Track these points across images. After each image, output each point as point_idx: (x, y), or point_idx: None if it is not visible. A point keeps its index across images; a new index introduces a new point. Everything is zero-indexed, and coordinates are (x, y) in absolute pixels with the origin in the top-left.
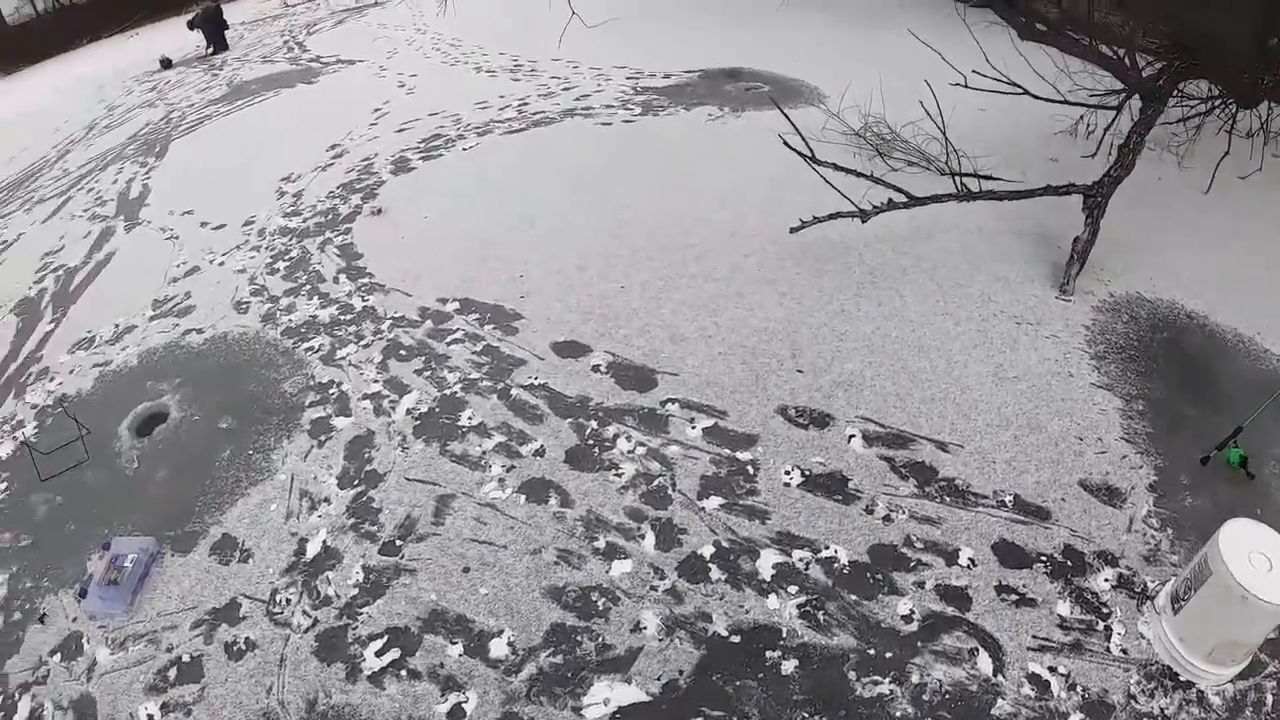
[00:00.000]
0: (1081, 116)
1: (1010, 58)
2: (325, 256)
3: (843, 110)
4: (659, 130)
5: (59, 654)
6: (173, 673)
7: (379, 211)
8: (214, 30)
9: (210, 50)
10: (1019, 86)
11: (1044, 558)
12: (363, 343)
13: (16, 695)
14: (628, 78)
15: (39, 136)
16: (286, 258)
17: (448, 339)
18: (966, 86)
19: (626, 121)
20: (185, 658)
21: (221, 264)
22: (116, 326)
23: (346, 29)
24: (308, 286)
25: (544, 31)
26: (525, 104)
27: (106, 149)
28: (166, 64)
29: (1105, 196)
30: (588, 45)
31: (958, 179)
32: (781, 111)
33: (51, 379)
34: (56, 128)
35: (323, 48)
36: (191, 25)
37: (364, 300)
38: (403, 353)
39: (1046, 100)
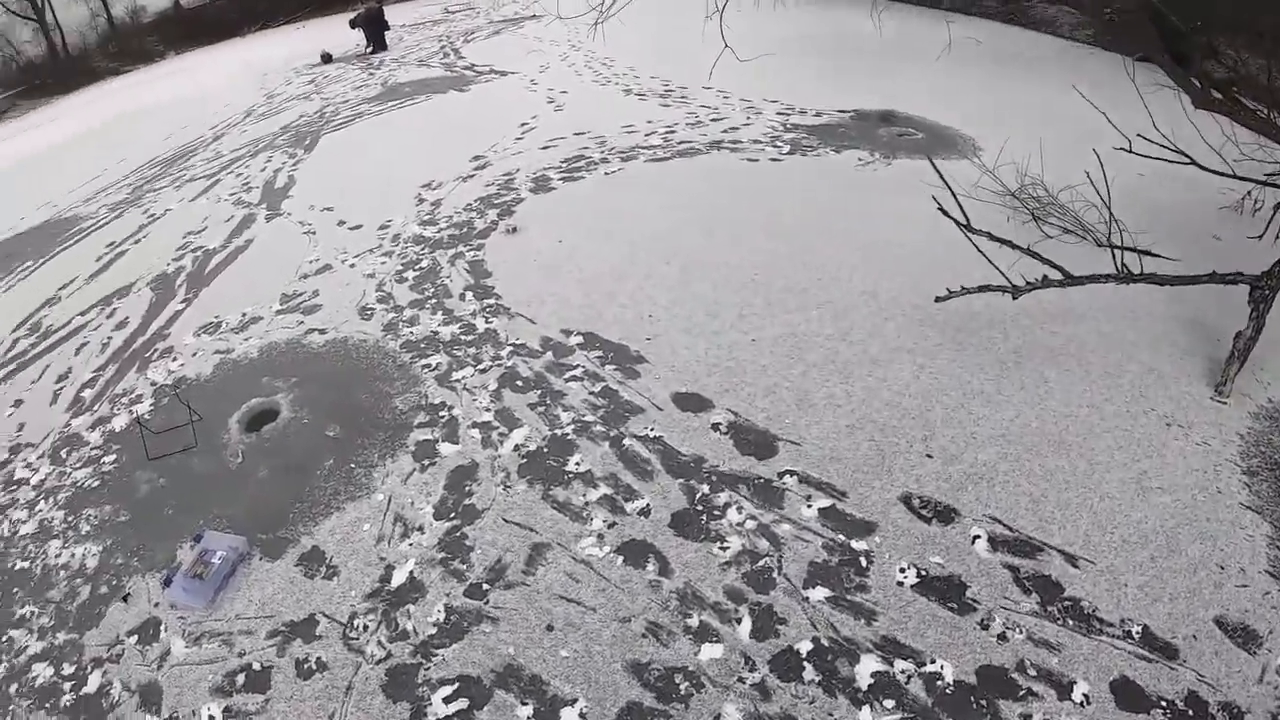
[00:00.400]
0: (1250, 192)
1: (1177, 120)
2: (455, 271)
3: (998, 167)
4: (806, 172)
5: (136, 636)
6: (241, 678)
7: (514, 231)
8: (375, 31)
9: (370, 49)
10: (1186, 156)
11: (1165, 703)
12: (480, 366)
13: (89, 668)
14: (778, 113)
15: (199, 117)
16: (417, 267)
17: (566, 375)
18: (1131, 152)
19: (774, 160)
20: (256, 666)
21: (352, 266)
22: (243, 315)
23: (502, 40)
24: (433, 300)
25: (697, 58)
26: (672, 132)
27: (260, 136)
28: (327, 59)
29: (1274, 290)
30: (741, 76)
31: (1117, 256)
32: (937, 171)
33: (174, 359)
34: (216, 110)
35: (478, 56)
36: (353, 24)
37: (487, 322)
38: (519, 383)
39: (1213, 172)
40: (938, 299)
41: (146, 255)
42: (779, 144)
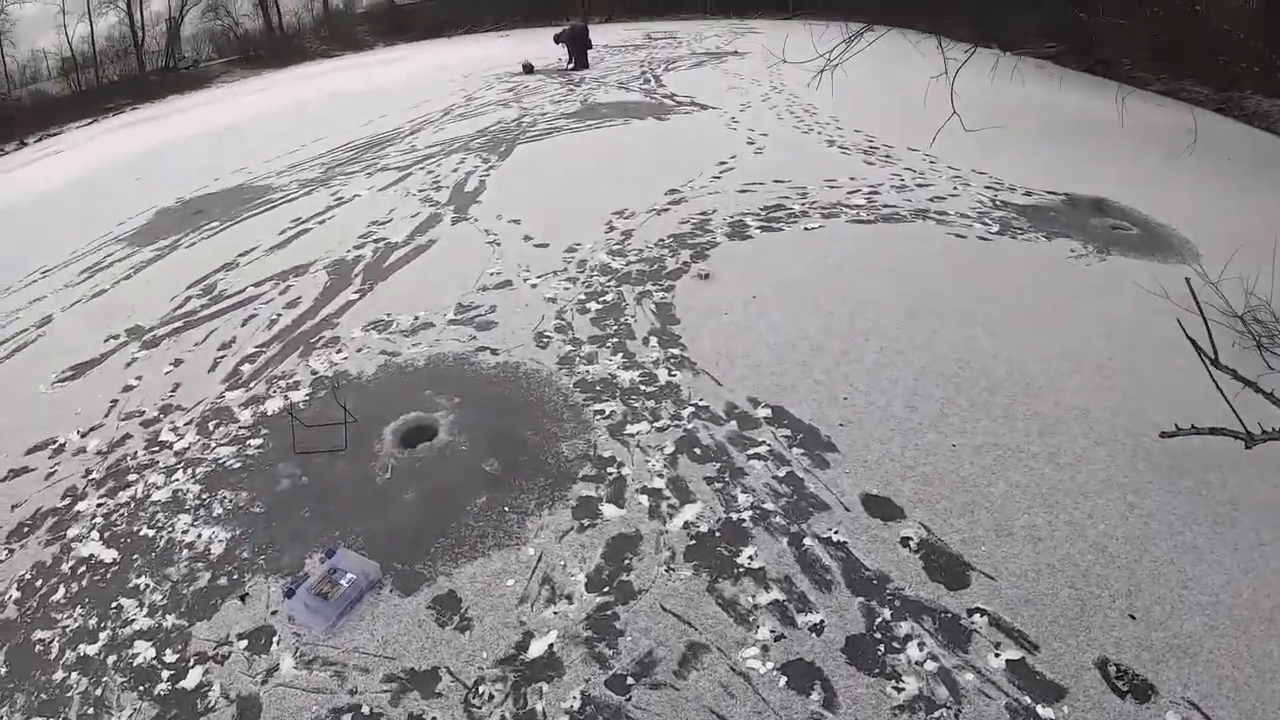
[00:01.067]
0: None
1: None
2: (641, 311)
3: (1222, 280)
4: (1016, 258)
5: (246, 641)
6: (347, 718)
7: (706, 277)
8: (578, 48)
9: (571, 65)
10: None
11: None
12: (657, 424)
13: (192, 662)
14: (987, 186)
15: (398, 109)
16: (601, 299)
17: (750, 451)
18: None
19: (981, 239)
20: (365, 709)
21: (534, 286)
22: (415, 319)
23: (703, 73)
24: (614, 339)
25: (907, 117)
26: (876, 193)
27: (455, 136)
28: (529, 69)
29: None
30: (947, 141)
31: None
32: (1193, 295)
33: (339, 350)
34: (416, 104)
35: (678, 86)
36: (558, 39)
37: (670, 374)
38: (698, 451)
39: None
40: (1164, 435)
41: (329, 238)
42: (987, 221)
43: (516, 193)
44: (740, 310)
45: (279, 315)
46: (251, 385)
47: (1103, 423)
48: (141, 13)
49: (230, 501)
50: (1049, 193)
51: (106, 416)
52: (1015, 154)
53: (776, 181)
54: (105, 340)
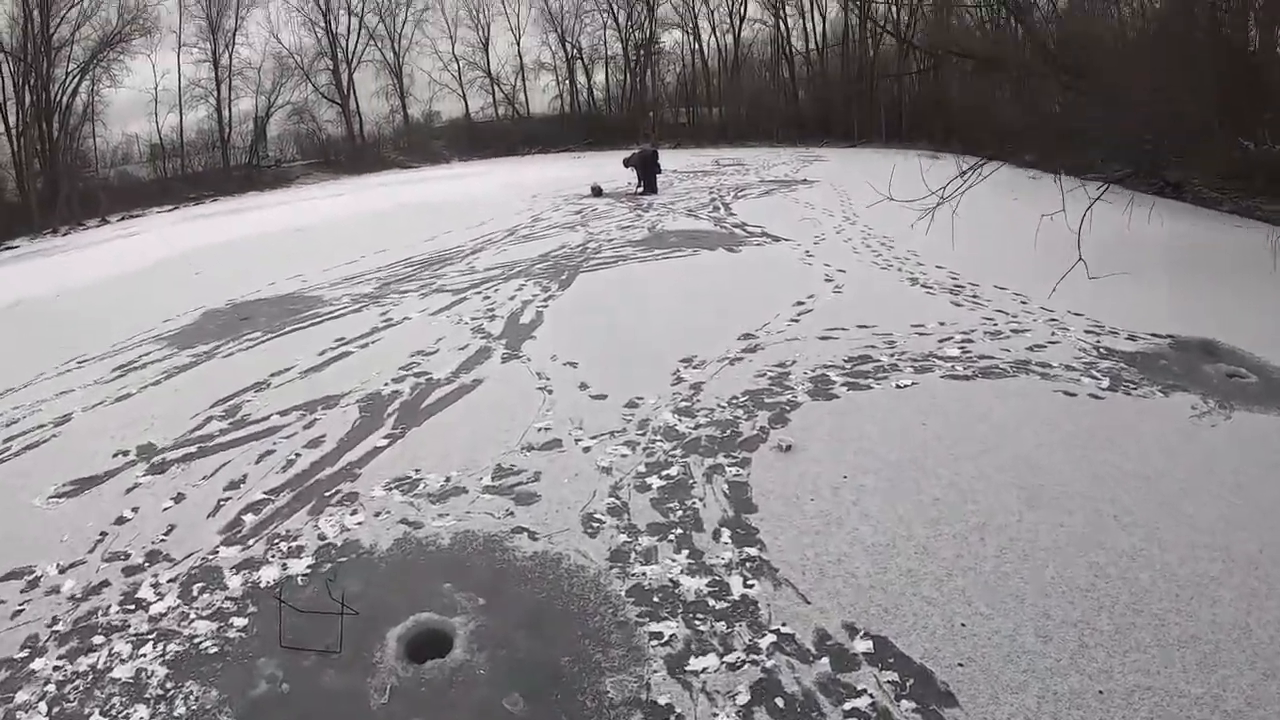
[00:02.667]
0: None
1: None
2: (711, 491)
3: None
4: (1134, 421)
5: None
6: None
7: (788, 448)
8: (647, 172)
9: (640, 190)
10: None
11: None
12: (729, 658)
13: None
14: (1086, 330)
15: (463, 226)
16: (664, 473)
17: (847, 703)
18: None
19: (1093, 396)
20: None
21: (587, 449)
22: (446, 480)
23: (774, 201)
24: (679, 530)
25: (986, 253)
26: (970, 341)
27: (517, 259)
28: (597, 192)
29: None
30: (1031, 278)
31: None
32: None
33: (354, 512)
34: (482, 221)
35: (748, 215)
36: (627, 163)
37: (746, 584)
38: (779, 703)
39: None
40: None
41: (369, 365)
42: (1095, 374)
43: (575, 329)
44: (829, 496)
45: (297, 455)
46: (250, 543)
47: (1269, 645)
48: (230, 109)
49: (196, 700)
50: (1154, 335)
51: (91, 552)
52: (1108, 291)
53: (860, 327)
54: (114, 455)
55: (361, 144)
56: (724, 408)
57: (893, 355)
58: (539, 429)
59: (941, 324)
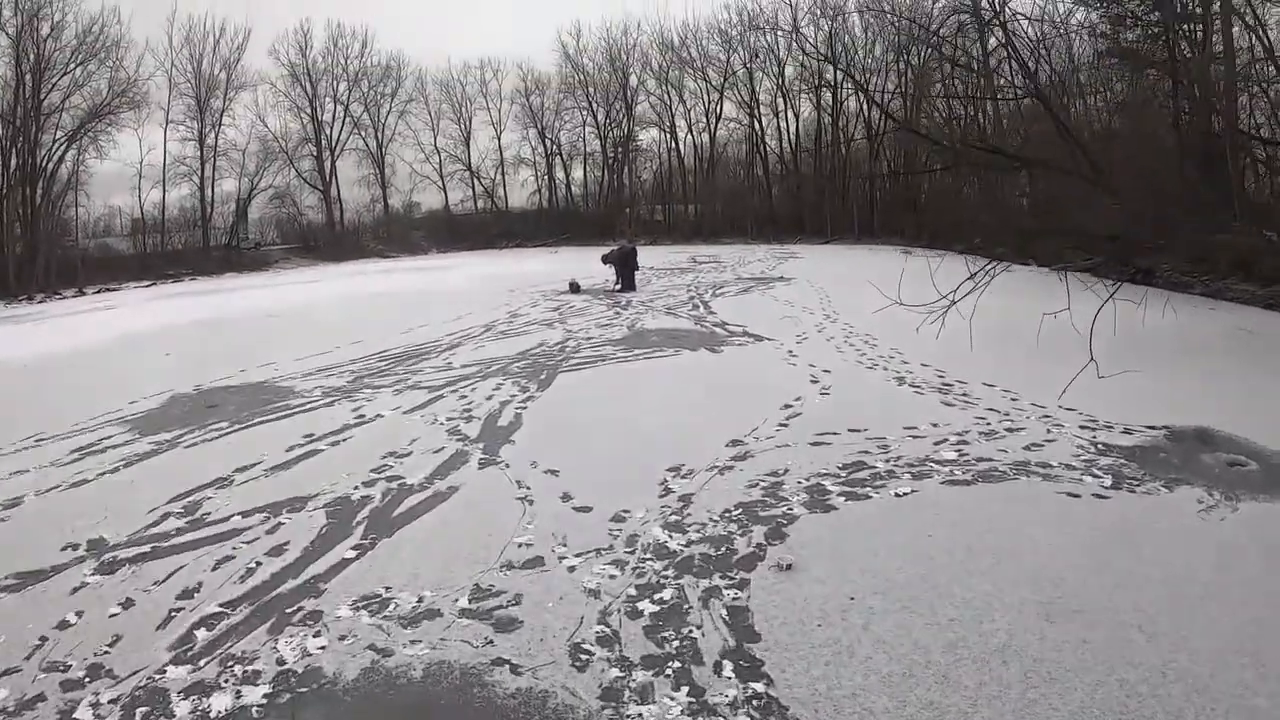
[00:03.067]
0: None
1: None
2: (708, 618)
3: None
4: (1142, 521)
5: None
6: None
7: (788, 567)
8: (625, 270)
9: (618, 287)
10: None
11: None
12: None
13: None
14: (1081, 426)
15: (440, 320)
16: (657, 597)
17: None
18: None
19: (1098, 496)
20: None
21: (572, 569)
22: (419, 601)
23: (752, 300)
24: (677, 663)
25: (968, 349)
26: (965, 442)
27: (495, 356)
28: (575, 289)
29: None
30: (1016, 372)
31: None
32: None
33: (316, 633)
34: (459, 315)
35: (728, 313)
36: (605, 260)
37: None
38: None
39: None
40: None
41: (338, 466)
42: (1096, 472)
43: (556, 433)
44: (838, 620)
45: (258, 563)
46: (201, 663)
47: None
48: (213, 189)
49: None
50: (1148, 427)
51: (29, 659)
52: (1097, 383)
53: (852, 430)
54: (63, 548)
55: (341, 231)
56: (717, 522)
57: (888, 460)
58: (519, 544)
59: (934, 425)
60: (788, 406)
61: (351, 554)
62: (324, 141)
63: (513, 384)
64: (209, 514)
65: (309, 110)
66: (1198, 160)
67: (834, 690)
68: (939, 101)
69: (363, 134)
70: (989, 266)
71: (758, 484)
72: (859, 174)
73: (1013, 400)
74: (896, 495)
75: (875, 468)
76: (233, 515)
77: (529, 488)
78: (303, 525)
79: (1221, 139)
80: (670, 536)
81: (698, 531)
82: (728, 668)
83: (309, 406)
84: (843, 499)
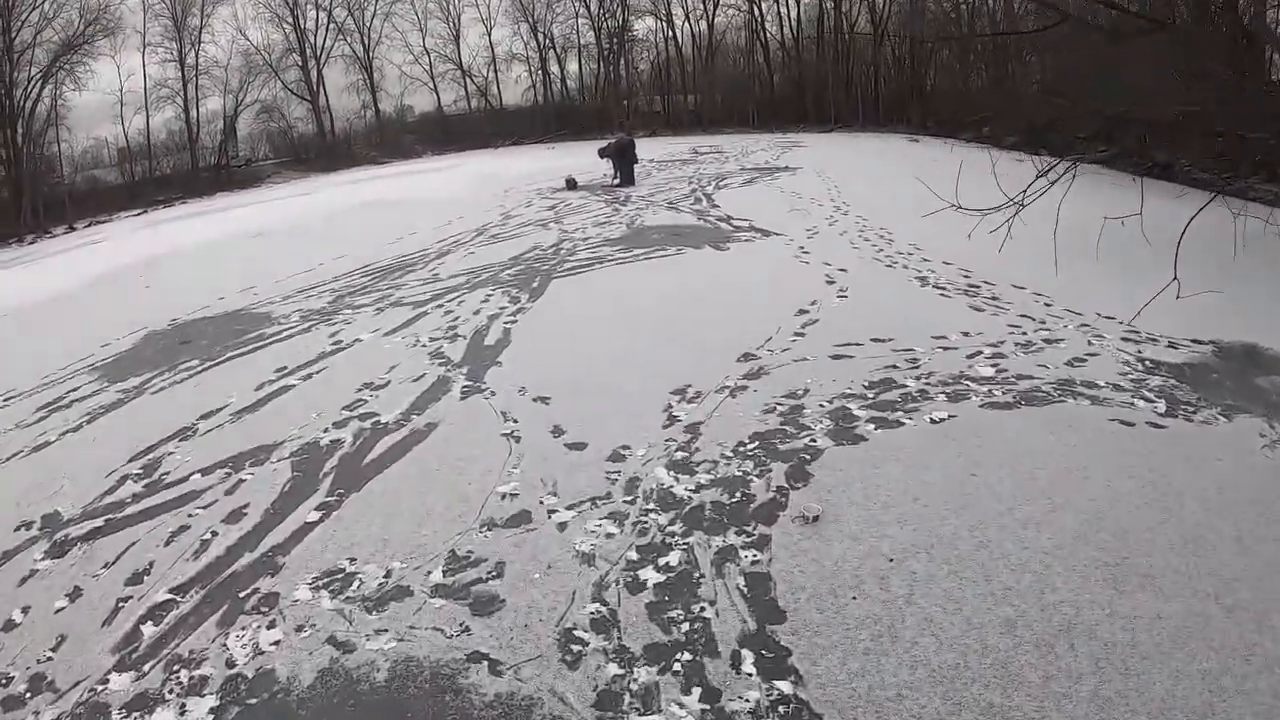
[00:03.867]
0: None
1: None
2: (724, 589)
3: None
4: (1204, 456)
5: None
6: None
7: (815, 519)
8: (624, 163)
9: (617, 181)
10: None
11: None
12: None
13: None
14: (1123, 338)
15: (430, 225)
16: (662, 562)
17: None
18: None
19: (1153, 425)
20: None
21: (563, 525)
22: (386, 576)
23: (757, 191)
24: (686, 655)
25: (986, 242)
26: (1001, 355)
27: (485, 264)
28: (572, 184)
29: None
30: (1044, 272)
31: None
32: None
33: (271, 624)
34: (449, 220)
35: (733, 207)
36: (603, 154)
37: None
38: None
39: None
40: None
41: (309, 404)
42: (1148, 395)
43: (547, 352)
44: (876, 590)
45: (214, 534)
46: (146, 668)
47: None
48: (198, 109)
49: None
50: (1194, 342)
51: None
52: (1130, 286)
53: (875, 340)
54: (17, 528)
55: (333, 141)
56: (729, 459)
57: (919, 378)
58: (503, 495)
59: (965, 335)
60: (803, 312)
61: (315, 516)
62: (309, 50)
63: (503, 294)
64: (168, 474)
65: (291, 19)
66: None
67: (875, 690)
68: None
69: (348, 39)
70: (1057, 164)
71: (775, 408)
72: (863, 60)
73: (1046, 306)
74: (932, 421)
75: (905, 386)
76: (192, 474)
77: (516, 420)
78: (265, 482)
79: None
80: (676, 480)
81: (708, 472)
82: (748, 660)
83: (285, 334)
84: (872, 426)
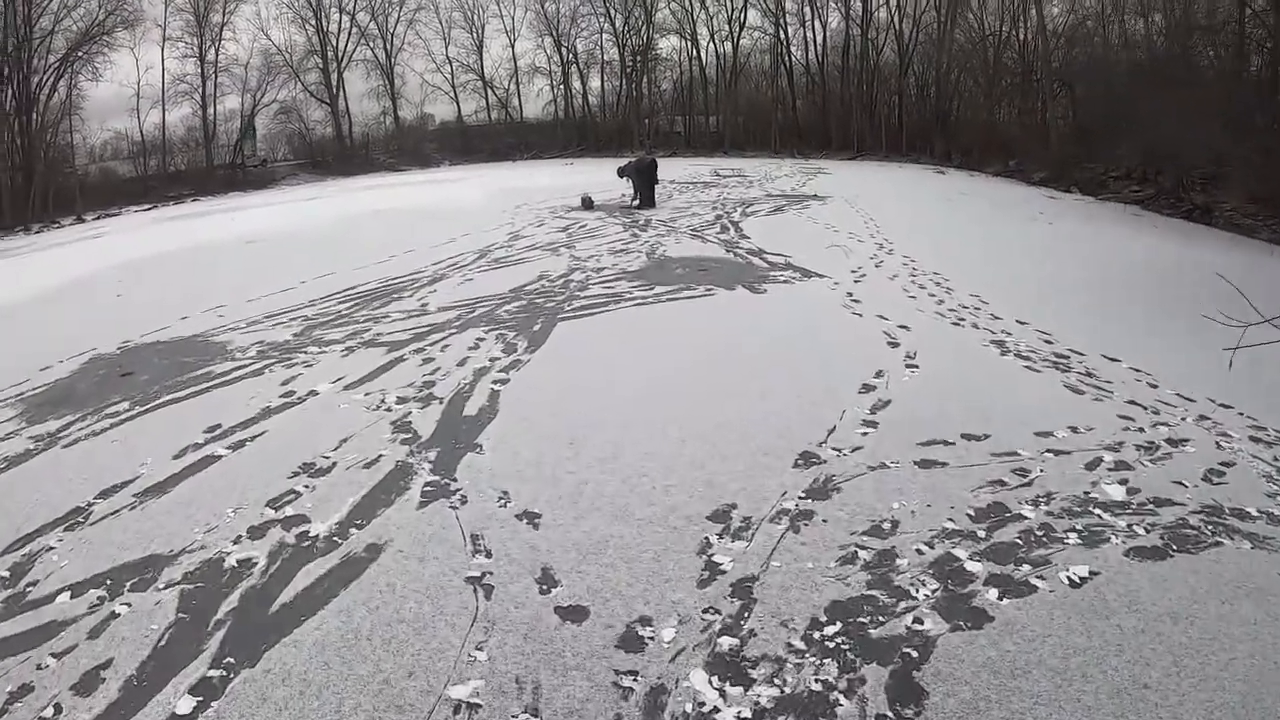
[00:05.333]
0: None
1: None
2: None
3: None
4: None
5: None
6: None
7: None
8: (645, 183)
9: (635, 203)
10: None
11: None
12: None
13: None
14: (1250, 434)
15: (429, 243)
16: None
17: None
18: None
19: None
20: None
21: None
22: None
23: (787, 221)
24: None
25: (1055, 295)
26: (1125, 464)
27: (482, 295)
28: (588, 204)
29: None
30: (1140, 336)
31: None
32: None
33: None
34: (452, 237)
35: (763, 237)
36: (622, 173)
37: None
38: None
39: None
40: None
41: (226, 493)
42: None
43: (542, 435)
44: None
45: (56, 709)
46: None
47: None
48: (215, 106)
49: None
50: None
51: None
52: (1224, 358)
53: (968, 438)
54: None
55: (350, 145)
56: (801, 656)
57: (1037, 502)
58: (455, 706)
59: (1074, 430)
60: (868, 388)
61: (186, 708)
62: (330, 53)
63: (496, 339)
64: (34, 585)
65: (314, 21)
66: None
67: None
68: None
69: (370, 45)
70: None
71: (855, 554)
72: (887, 88)
73: (1152, 387)
74: (1071, 583)
75: (1023, 518)
76: (61, 591)
77: (489, 553)
78: (141, 624)
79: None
80: (723, 696)
81: (771, 681)
82: None
83: (234, 375)
84: (994, 594)
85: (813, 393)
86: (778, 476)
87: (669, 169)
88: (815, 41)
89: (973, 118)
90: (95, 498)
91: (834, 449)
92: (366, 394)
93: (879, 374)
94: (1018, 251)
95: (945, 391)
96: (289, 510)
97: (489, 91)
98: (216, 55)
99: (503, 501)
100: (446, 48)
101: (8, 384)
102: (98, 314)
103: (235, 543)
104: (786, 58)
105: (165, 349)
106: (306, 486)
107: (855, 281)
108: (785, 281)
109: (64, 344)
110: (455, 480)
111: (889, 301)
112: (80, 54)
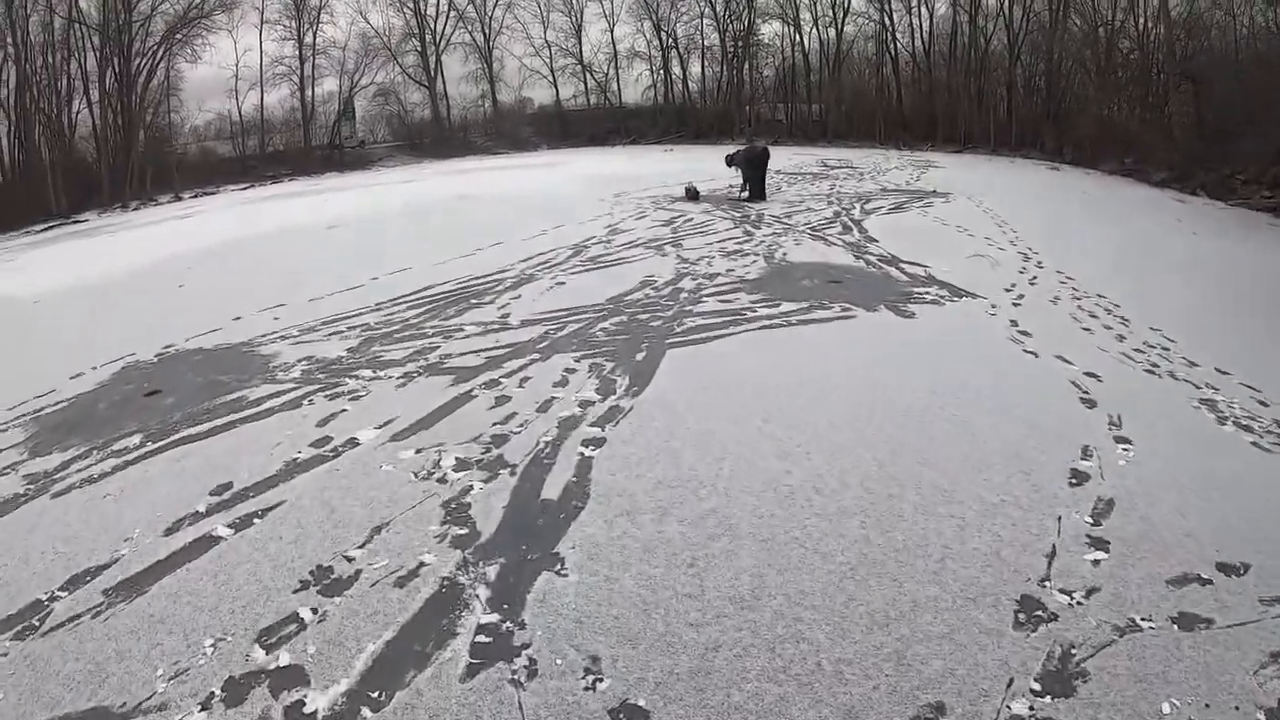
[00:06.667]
0: None
1: None
2: None
3: None
4: None
5: None
6: None
7: None
8: (755, 174)
9: (744, 195)
10: None
11: None
12: None
13: None
14: None
15: (520, 235)
16: None
17: None
18: None
19: None
20: None
21: None
22: None
23: (913, 220)
24: None
25: (1253, 333)
26: None
27: (576, 305)
28: (693, 195)
29: None
30: None
31: None
32: None
33: None
34: (544, 230)
35: (893, 241)
36: (730, 161)
37: None
38: None
39: None
40: None
41: (212, 608)
42: None
43: (648, 546)
44: None
45: None
46: None
47: None
48: (313, 89)
49: None
50: None
51: None
52: None
53: (1226, 572)
54: None
55: (448, 128)
56: None
57: None
58: None
59: None
60: (1080, 479)
61: None
62: (428, 37)
63: (589, 372)
64: None
65: (411, 5)
66: None
67: None
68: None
69: (469, 28)
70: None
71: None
72: (995, 80)
73: None
74: None
75: None
76: None
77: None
78: None
79: None
80: None
81: None
82: None
83: (267, 406)
84: None
85: (1012, 485)
86: (995, 645)
87: (774, 158)
88: (921, 29)
89: (1084, 110)
90: (60, 588)
91: (1061, 591)
92: (418, 450)
93: (1086, 453)
94: (1176, 268)
95: (1173, 484)
96: (284, 657)
97: (587, 76)
98: (315, 38)
99: (591, 678)
100: (545, 31)
101: (32, 394)
102: (152, 308)
103: (203, 709)
104: (892, 45)
105: (204, 361)
106: (314, 611)
107: (1014, 304)
108: (933, 301)
109: (104, 346)
110: (522, 627)
111: (1062, 337)
112: (179, 36)
